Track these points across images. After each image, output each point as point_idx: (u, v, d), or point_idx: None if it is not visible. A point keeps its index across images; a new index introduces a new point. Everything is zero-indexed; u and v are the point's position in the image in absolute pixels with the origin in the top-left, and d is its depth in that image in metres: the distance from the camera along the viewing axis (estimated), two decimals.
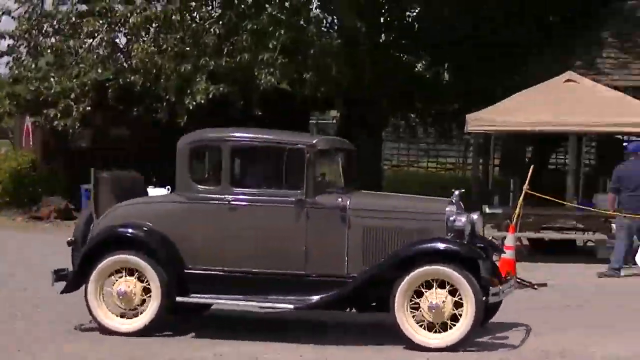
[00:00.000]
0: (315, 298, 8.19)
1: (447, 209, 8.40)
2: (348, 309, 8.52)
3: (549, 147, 23.70)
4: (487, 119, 15.96)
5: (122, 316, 8.42)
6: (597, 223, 14.99)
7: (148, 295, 8.28)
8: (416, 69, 26.87)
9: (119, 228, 8.48)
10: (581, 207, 15.21)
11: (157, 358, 7.59)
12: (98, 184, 8.99)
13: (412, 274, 7.87)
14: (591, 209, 14.87)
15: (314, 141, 8.74)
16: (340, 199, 8.44)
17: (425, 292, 7.86)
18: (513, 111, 15.88)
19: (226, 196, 8.39)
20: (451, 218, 8.28)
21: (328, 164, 9.33)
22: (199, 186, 8.64)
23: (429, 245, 8.12)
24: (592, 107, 15.56)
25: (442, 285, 7.87)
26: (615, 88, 17.33)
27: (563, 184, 16.25)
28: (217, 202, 8.42)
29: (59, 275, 8.74)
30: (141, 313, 8.32)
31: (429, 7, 23.93)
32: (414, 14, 25.48)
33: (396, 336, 7.91)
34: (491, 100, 17.45)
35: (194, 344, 8.16)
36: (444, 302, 7.80)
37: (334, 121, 29.50)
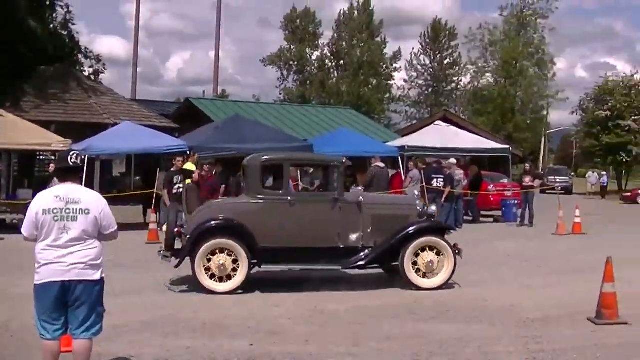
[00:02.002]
0: (346, 261, 12.98)
1: (417, 201, 14.31)
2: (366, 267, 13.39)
3: None
4: None
5: (219, 280, 12.36)
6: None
7: (234, 266, 12.35)
8: None
9: (216, 221, 12.57)
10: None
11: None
12: (188, 190, 14.12)
13: (415, 242, 12.88)
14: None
15: (343, 160, 13.65)
16: (357, 197, 13.45)
17: (421, 253, 12.91)
18: None
19: (287, 197, 12.92)
20: (424, 207, 13.78)
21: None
22: (267, 190, 13.27)
23: (425, 224, 13.27)
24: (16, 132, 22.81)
25: (430, 249, 12.96)
26: (34, 122, 25.59)
27: None
28: (281, 200, 12.80)
29: (168, 255, 13.07)
30: (230, 278, 12.38)
31: None
32: None
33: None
34: None
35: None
36: (431, 260, 12.88)
37: None
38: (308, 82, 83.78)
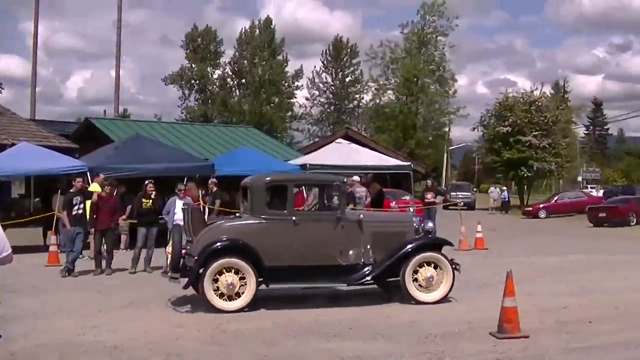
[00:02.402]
0: (349, 278, 13.19)
1: (414, 219, 14.34)
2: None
3: None
4: None
5: (228, 299, 12.47)
6: None
7: (242, 284, 12.51)
8: None
9: (222, 242, 12.72)
10: None
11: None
12: (191, 212, 13.81)
13: (416, 257, 13.21)
14: None
15: (344, 180, 14.42)
16: (357, 215, 13.79)
17: (420, 269, 13.19)
18: None
19: (291, 217, 13.02)
20: (421, 224, 14.19)
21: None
22: (271, 210, 13.18)
23: (424, 241, 13.66)
24: None
25: (428, 264, 13.25)
26: None
27: None
28: (285, 221, 12.96)
29: (176, 276, 13.05)
30: (238, 297, 12.51)
31: None
32: None
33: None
34: None
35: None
36: (431, 275, 13.18)
37: None
38: (210, 100, 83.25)
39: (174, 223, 16.65)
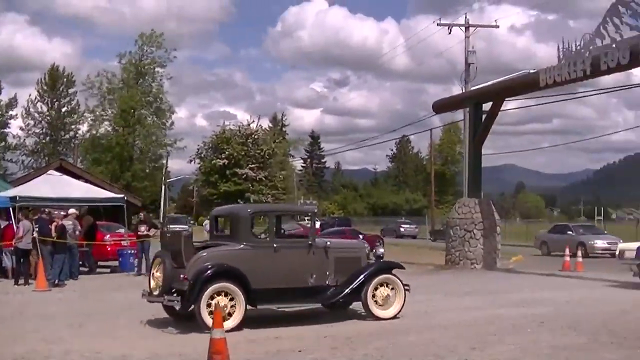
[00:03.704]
0: (321, 298, 14.93)
1: (365, 244, 17.20)
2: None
3: None
4: None
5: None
6: None
7: (232, 306, 13.62)
8: None
9: (215, 268, 13.74)
10: None
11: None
12: (185, 240, 14.40)
13: (376, 279, 15.22)
14: None
15: (315, 209, 17.69)
16: (324, 242, 15.46)
17: (377, 289, 15.15)
18: None
19: (272, 243, 14.59)
20: (372, 250, 16.35)
21: None
22: (256, 238, 15.04)
23: (383, 264, 15.87)
24: None
25: (384, 285, 15.28)
26: None
27: None
28: (267, 247, 14.53)
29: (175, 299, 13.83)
30: (230, 317, 13.48)
31: None
32: None
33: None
34: None
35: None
36: (388, 294, 15.22)
37: None
38: None
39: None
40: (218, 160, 56.73)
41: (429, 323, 14.60)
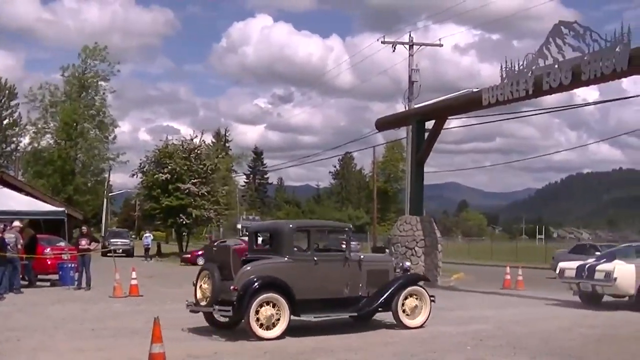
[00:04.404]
0: (353, 308, 15.97)
1: (392, 258, 19.13)
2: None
3: None
4: None
5: (267, 329, 14.45)
6: None
7: (277, 316, 14.56)
8: None
9: (263, 280, 14.67)
10: None
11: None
12: (233, 254, 15.36)
13: (405, 290, 16.41)
14: None
15: (350, 226, 18.33)
16: (358, 256, 16.68)
17: (406, 300, 16.34)
18: None
19: (313, 257, 15.57)
20: (400, 263, 17.71)
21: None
22: (298, 252, 15.76)
23: (411, 277, 17.37)
24: None
25: (412, 296, 16.49)
26: None
27: None
28: (309, 260, 15.50)
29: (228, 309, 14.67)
30: (275, 326, 14.53)
31: None
32: None
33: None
34: None
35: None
36: (416, 305, 16.44)
37: None
38: None
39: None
40: (160, 174, 56.23)
41: (368, 340, 14.70)
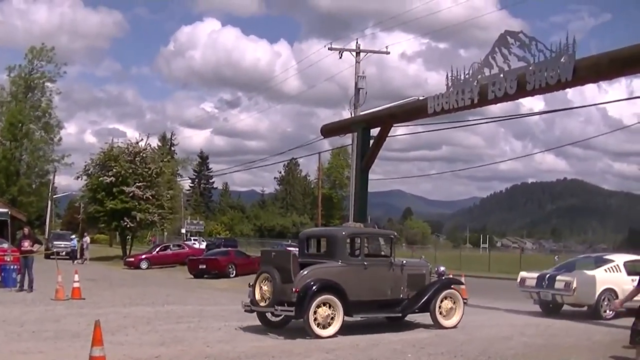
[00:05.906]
0: (396, 309, 17.45)
1: (428, 263, 19.74)
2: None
3: None
4: None
5: (323, 328, 15.74)
6: None
7: (332, 316, 15.84)
8: None
9: (320, 282, 15.95)
10: None
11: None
12: (293, 258, 16.38)
13: (443, 293, 17.85)
14: None
15: (395, 233, 19.09)
16: (401, 261, 17.80)
17: (442, 302, 17.81)
18: None
19: (363, 261, 16.92)
20: (435, 267, 19.73)
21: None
22: (350, 257, 17.12)
23: (447, 281, 18.92)
24: None
25: (447, 298, 17.93)
26: None
27: None
28: (359, 264, 16.83)
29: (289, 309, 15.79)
30: (330, 325, 15.82)
31: None
32: None
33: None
34: None
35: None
36: (451, 307, 17.93)
37: None
38: None
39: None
40: (105, 177, 55.80)
41: (309, 346, 14.69)
